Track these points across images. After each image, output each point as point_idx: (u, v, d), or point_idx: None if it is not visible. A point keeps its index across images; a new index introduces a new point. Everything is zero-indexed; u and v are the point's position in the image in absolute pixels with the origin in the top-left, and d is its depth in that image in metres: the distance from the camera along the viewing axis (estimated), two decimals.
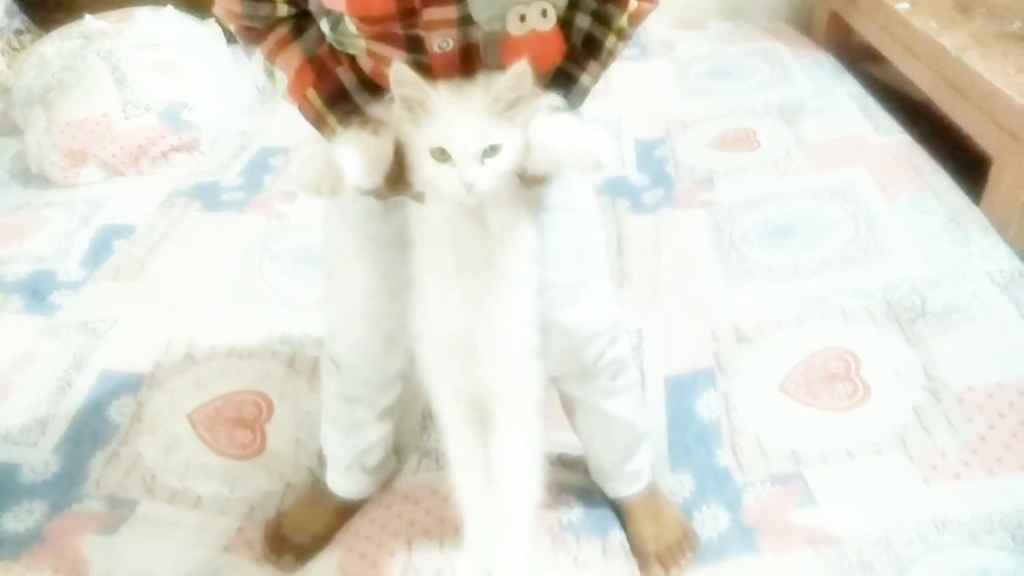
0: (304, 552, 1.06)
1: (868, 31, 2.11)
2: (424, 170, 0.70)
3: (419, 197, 0.76)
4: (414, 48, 0.71)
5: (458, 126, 0.67)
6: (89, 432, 1.21)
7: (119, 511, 1.10)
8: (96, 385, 1.29)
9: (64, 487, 1.13)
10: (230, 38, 2.48)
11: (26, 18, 2.70)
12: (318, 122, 0.77)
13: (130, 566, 1.02)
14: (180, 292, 1.51)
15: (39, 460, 1.17)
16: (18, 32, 2.66)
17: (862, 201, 1.59)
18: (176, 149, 2.05)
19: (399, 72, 0.66)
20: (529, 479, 0.86)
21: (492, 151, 0.68)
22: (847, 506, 1.03)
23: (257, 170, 1.95)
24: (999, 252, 1.39)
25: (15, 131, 2.26)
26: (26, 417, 1.24)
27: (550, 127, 0.70)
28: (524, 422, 0.85)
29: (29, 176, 2.03)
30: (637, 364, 1.29)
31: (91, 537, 1.06)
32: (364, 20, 0.69)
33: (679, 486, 1.14)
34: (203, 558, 1.04)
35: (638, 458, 1.06)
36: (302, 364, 1.33)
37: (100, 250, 1.72)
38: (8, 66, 2.51)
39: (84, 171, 1.99)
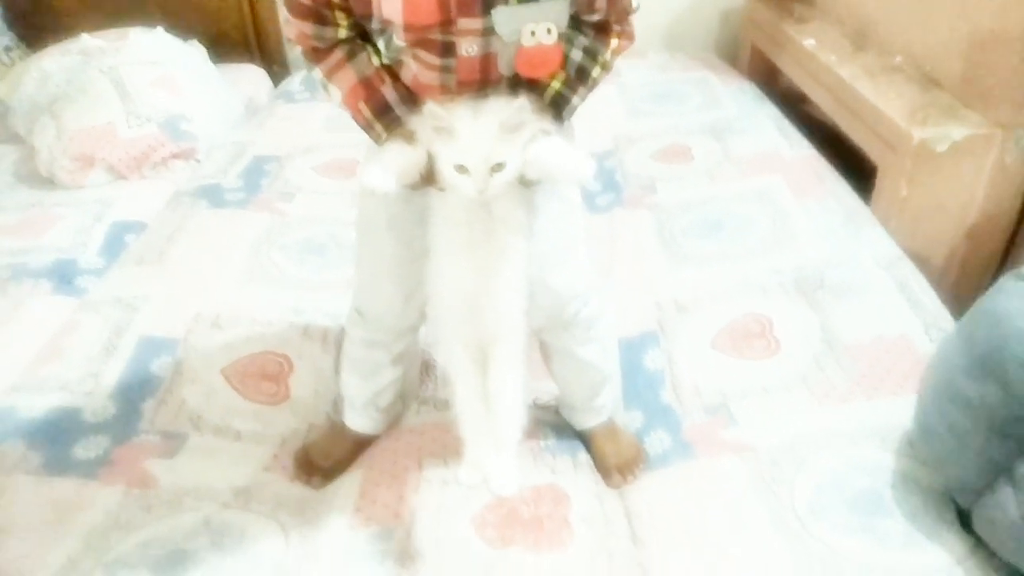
0: (329, 474, 1.29)
1: (783, 63, 2.46)
2: (447, 176, 0.93)
3: (441, 187, 0.98)
4: (446, 52, 0.93)
5: (473, 148, 0.90)
6: (137, 382, 1.42)
7: (173, 442, 1.31)
8: (137, 348, 1.50)
9: (122, 425, 1.34)
10: (214, 58, 2.71)
11: (14, 35, 2.87)
12: (368, 128, 1.00)
13: (191, 480, 1.23)
14: (200, 274, 1.72)
15: (97, 405, 1.37)
16: (7, 48, 2.83)
17: (777, 202, 1.91)
18: (175, 156, 2.26)
19: (431, 107, 0.90)
20: (518, 406, 1.09)
21: (499, 167, 0.90)
22: (761, 425, 1.32)
23: (254, 174, 2.18)
24: (883, 241, 1.72)
25: (14, 139, 2.43)
26: (79, 371, 1.44)
27: (546, 148, 0.93)
28: (514, 363, 1.07)
29: (36, 179, 2.19)
30: (605, 333, 1.56)
31: (153, 460, 1.27)
32: (412, 27, 0.91)
33: (632, 420, 1.41)
34: (248, 475, 1.26)
35: (602, 396, 1.32)
36: (315, 331, 1.57)
37: (114, 243, 1.91)
38: None
39: (91, 174, 2.17)
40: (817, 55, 2.19)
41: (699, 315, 1.60)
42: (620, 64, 3.09)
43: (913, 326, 1.47)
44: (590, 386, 1.31)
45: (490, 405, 1.08)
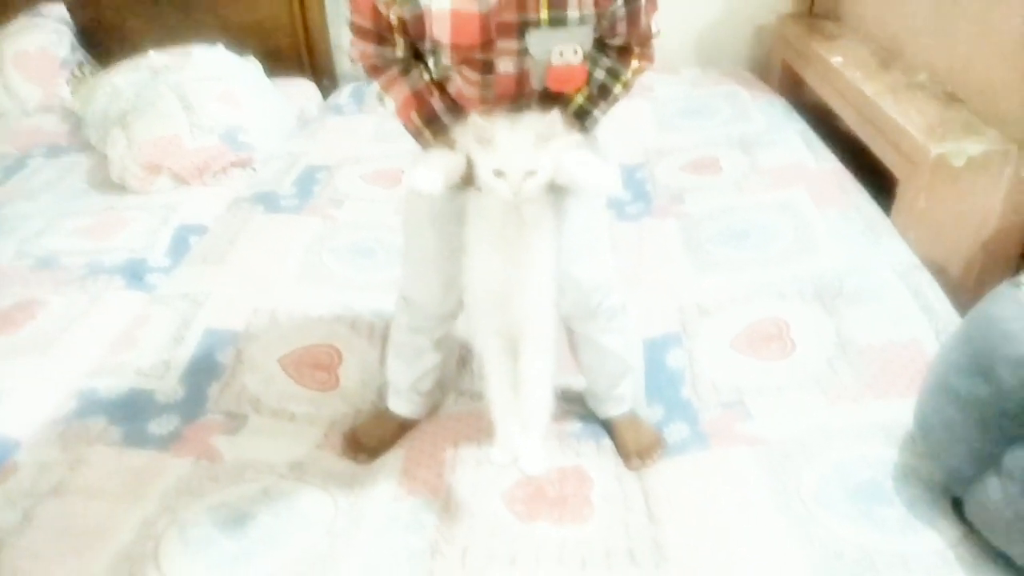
0: (374, 452, 1.42)
1: (811, 79, 2.54)
2: (485, 180, 1.04)
3: (479, 189, 1.10)
4: (487, 69, 1.05)
5: (511, 156, 1.02)
6: (203, 369, 1.57)
7: (236, 421, 1.46)
8: (202, 338, 1.65)
9: (190, 406, 1.49)
10: (268, 72, 2.89)
11: (86, 53, 3.10)
12: (417, 135, 1.13)
13: (251, 455, 1.38)
14: (258, 273, 1.87)
15: (168, 388, 1.53)
16: (80, 65, 3.05)
17: (800, 213, 2.00)
18: (234, 165, 2.43)
19: (474, 119, 1.02)
20: (545, 392, 1.20)
21: (532, 174, 1.01)
22: (774, 420, 1.41)
23: (306, 182, 2.34)
24: (900, 250, 1.79)
25: (86, 148, 2.64)
26: (152, 359, 1.60)
27: (575, 160, 1.05)
28: (543, 352, 1.18)
29: (108, 185, 2.37)
30: (627, 326, 1.67)
31: (219, 436, 1.41)
32: (458, 47, 1.04)
33: (653, 414, 1.51)
34: (303, 451, 1.40)
35: (623, 386, 1.43)
36: (362, 326, 1.70)
37: (179, 244, 2.08)
38: (73, 93, 2.90)
39: (158, 181, 2.35)
40: (843, 72, 2.27)
41: (720, 318, 1.70)
42: (653, 79, 3.23)
43: (924, 331, 1.54)
44: (612, 375, 1.42)
45: (520, 391, 1.19)
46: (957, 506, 1.18)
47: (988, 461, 1.10)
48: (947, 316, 1.57)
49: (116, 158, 2.38)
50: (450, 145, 1.08)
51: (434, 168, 1.04)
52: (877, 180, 2.08)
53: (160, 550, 1.20)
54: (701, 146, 2.42)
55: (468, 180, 1.08)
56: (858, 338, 1.56)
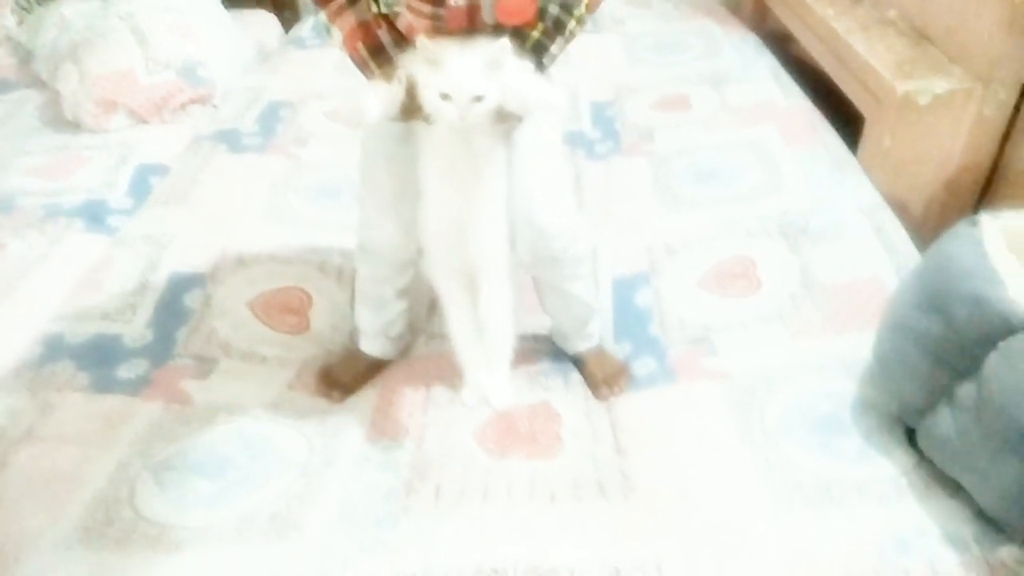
0: (347, 388, 1.43)
1: (783, 15, 2.52)
2: (431, 104, 1.00)
3: (427, 120, 1.06)
4: (437, 3, 1.02)
5: (458, 79, 0.98)
6: (171, 313, 1.55)
7: (206, 365, 1.45)
8: (169, 281, 1.63)
9: (159, 350, 1.48)
10: (226, 3, 2.77)
11: None
12: (363, 66, 1.10)
13: (223, 398, 1.38)
14: (223, 215, 1.84)
15: (136, 332, 1.51)
16: None
17: (769, 151, 2.01)
18: (193, 101, 2.36)
19: (423, 41, 0.99)
20: (507, 328, 1.20)
21: (478, 99, 0.98)
22: (739, 356, 1.45)
23: (269, 119, 2.28)
24: (865, 189, 1.82)
25: (35, 83, 2.53)
26: (118, 303, 1.57)
27: (521, 80, 1.03)
28: (501, 287, 1.18)
29: (61, 122, 2.29)
30: (592, 271, 1.69)
31: (188, 381, 1.41)
32: None
33: (621, 350, 1.53)
34: (274, 393, 1.41)
35: (591, 326, 1.46)
36: (330, 268, 1.69)
37: (140, 185, 2.02)
38: (19, 24, 2.76)
39: (114, 118, 2.27)
40: (814, 8, 2.25)
41: (688, 257, 1.72)
42: (624, 13, 3.16)
43: (885, 268, 1.58)
44: (579, 318, 1.44)
45: (481, 328, 1.19)
46: (911, 436, 1.24)
47: (940, 393, 1.15)
48: (908, 254, 1.61)
49: (68, 94, 2.28)
50: (394, 77, 1.05)
51: (373, 98, 1.02)
52: (844, 119, 2.09)
53: (136, 493, 1.20)
54: (672, 83, 2.40)
55: (412, 111, 1.05)
56: (821, 275, 1.60)
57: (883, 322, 1.28)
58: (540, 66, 1.10)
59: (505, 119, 1.06)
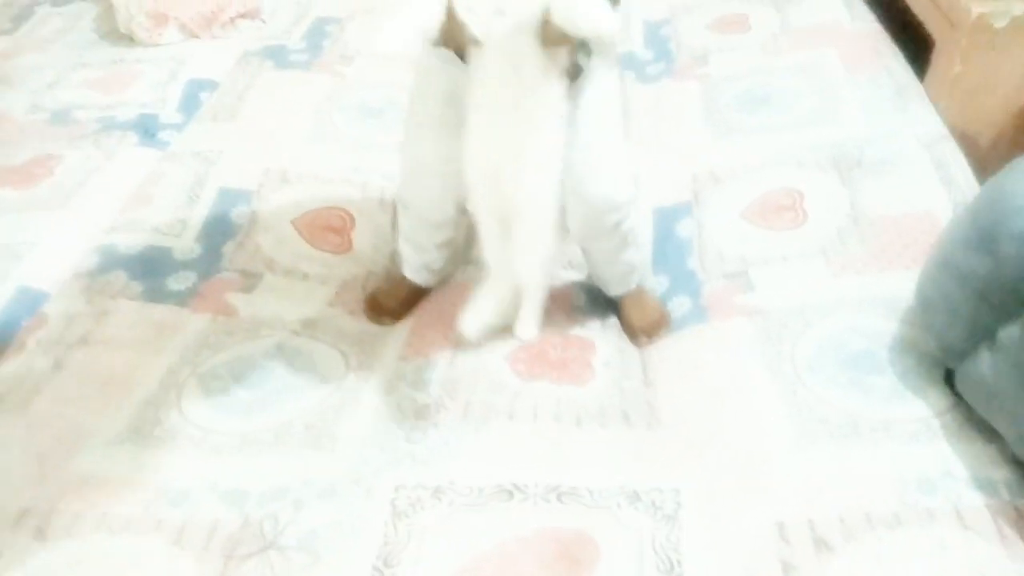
0: (396, 314, 1.45)
1: None
2: (461, 12, 0.91)
3: (475, 43, 0.96)
4: None
5: None
6: (218, 228, 1.60)
7: (250, 279, 1.50)
8: (217, 197, 1.67)
9: (207, 263, 1.53)
10: None
11: None
12: None
13: (266, 311, 1.43)
14: (268, 132, 1.86)
15: (185, 246, 1.56)
16: None
17: (827, 77, 1.91)
18: (242, 15, 2.35)
19: None
20: (542, 269, 1.20)
21: (499, 13, 0.91)
22: (775, 291, 1.42)
23: (316, 36, 2.26)
24: (929, 118, 1.72)
25: None
26: (168, 216, 1.62)
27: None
28: (541, 234, 1.13)
29: (116, 35, 2.32)
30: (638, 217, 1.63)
31: (234, 294, 1.46)
32: None
33: (659, 284, 1.52)
34: (314, 308, 1.45)
35: (633, 275, 1.41)
36: (372, 189, 1.71)
37: (190, 99, 2.05)
38: None
39: (166, 32, 2.29)
40: None
41: (733, 187, 1.68)
42: None
43: (942, 204, 1.51)
44: (623, 275, 1.41)
45: (514, 264, 1.19)
46: (948, 378, 1.21)
47: (982, 335, 1.11)
48: (968, 189, 1.53)
49: (122, 6, 2.30)
50: None
51: (406, 21, 0.94)
52: (914, 43, 1.97)
53: (183, 397, 1.27)
54: (731, 1, 2.28)
55: (454, 35, 0.97)
56: (872, 210, 1.54)
57: (929, 259, 1.24)
58: None
59: (555, 41, 0.99)
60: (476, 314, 1.27)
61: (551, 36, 0.98)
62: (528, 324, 1.29)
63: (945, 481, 1.09)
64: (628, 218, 1.28)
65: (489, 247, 1.21)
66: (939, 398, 1.20)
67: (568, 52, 1.05)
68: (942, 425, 1.17)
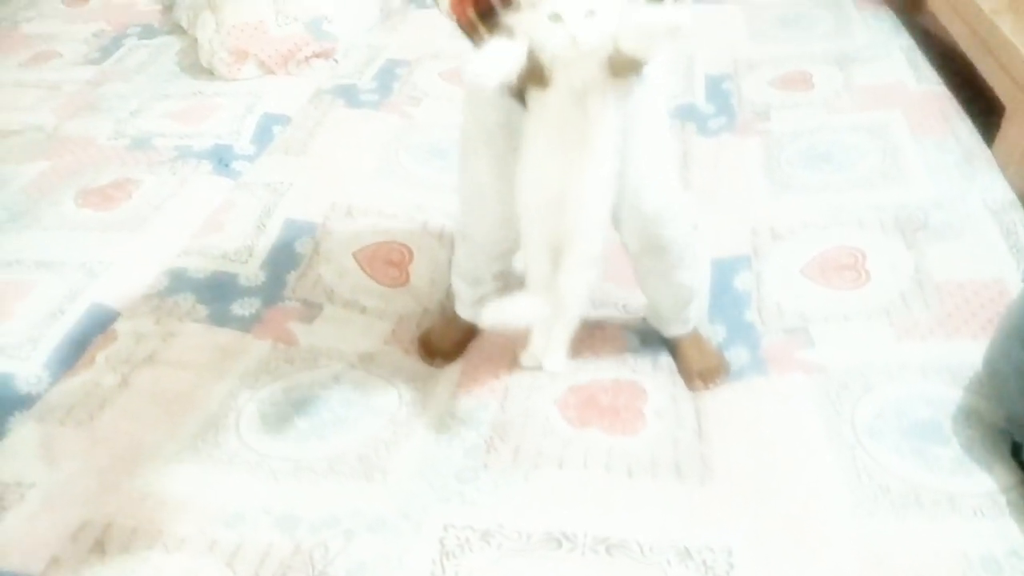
0: (448, 355, 1.47)
1: None
2: (541, 34, 0.92)
3: (544, 82, 0.99)
4: None
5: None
6: (283, 257, 1.65)
7: (312, 310, 1.54)
8: (283, 228, 1.73)
9: (270, 291, 1.57)
10: None
11: None
12: (471, 31, 1.06)
13: (325, 342, 1.46)
14: (337, 167, 1.92)
15: (251, 273, 1.62)
16: None
17: (892, 137, 1.90)
18: (317, 55, 2.45)
19: None
20: (581, 300, 1.19)
21: (591, 14, 0.91)
22: (837, 350, 1.40)
23: (386, 77, 2.34)
24: (997, 185, 1.69)
25: (176, 29, 2.69)
26: (236, 244, 1.68)
27: (638, 10, 0.94)
28: (588, 263, 1.13)
29: (197, 69, 2.44)
30: (699, 254, 1.64)
31: (295, 323, 1.50)
32: None
33: (714, 334, 1.51)
34: (372, 343, 1.48)
35: (690, 309, 1.42)
36: (433, 226, 1.75)
37: (264, 132, 2.13)
38: None
39: (244, 67, 2.39)
40: None
41: (793, 243, 1.67)
42: None
43: (1010, 272, 1.48)
44: (679, 302, 1.40)
45: (556, 292, 1.17)
46: (1016, 452, 1.17)
47: None
48: None
49: (205, 42, 2.42)
50: (509, 35, 0.99)
51: (492, 58, 0.97)
52: (982, 109, 1.95)
53: (241, 421, 1.31)
54: (794, 59, 2.30)
55: (528, 77, 1.00)
56: (937, 274, 1.51)
57: (999, 328, 1.21)
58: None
59: (620, 70, 1.00)
60: (534, 351, 1.27)
61: (620, 66, 1.00)
62: (557, 356, 1.26)
63: (1011, 560, 1.05)
64: (679, 228, 1.28)
65: (537, 275, 1.19)
66: (1006, 473, 1.16)
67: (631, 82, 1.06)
68: (1008, 502, 1.13)
